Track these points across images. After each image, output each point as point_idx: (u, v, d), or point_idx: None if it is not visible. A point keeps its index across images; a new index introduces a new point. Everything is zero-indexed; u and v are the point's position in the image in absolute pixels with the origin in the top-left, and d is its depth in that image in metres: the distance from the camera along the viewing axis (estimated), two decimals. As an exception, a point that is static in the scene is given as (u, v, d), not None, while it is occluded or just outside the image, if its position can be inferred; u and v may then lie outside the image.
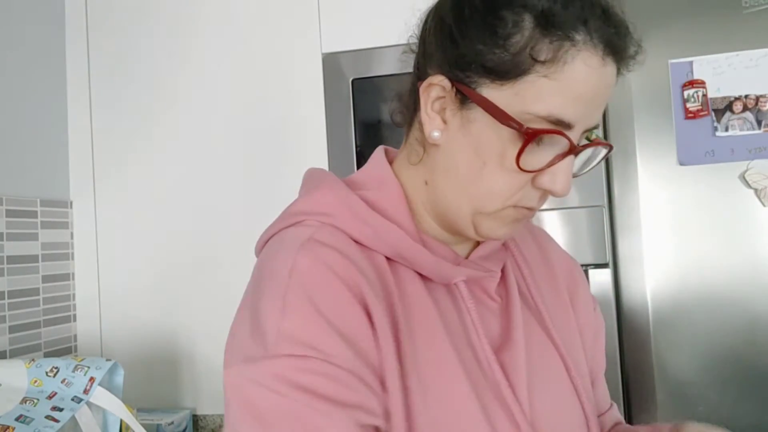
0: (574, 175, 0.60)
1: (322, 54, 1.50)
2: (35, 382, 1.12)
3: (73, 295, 1.63)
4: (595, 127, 0.59)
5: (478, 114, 0.56)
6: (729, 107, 1.28)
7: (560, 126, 0.54)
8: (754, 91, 1.27)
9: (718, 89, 1.28)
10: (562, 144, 0.56)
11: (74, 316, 1.63)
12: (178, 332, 1.55)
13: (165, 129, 1.60)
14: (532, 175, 0.57)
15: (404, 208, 0.62)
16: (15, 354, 1.42)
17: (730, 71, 1.28)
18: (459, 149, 0.58)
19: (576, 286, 0.75)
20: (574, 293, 0.75)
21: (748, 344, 1.25)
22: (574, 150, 0.56)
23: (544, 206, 1.34)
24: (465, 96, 0.57)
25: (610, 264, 1.33)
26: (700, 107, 1.28)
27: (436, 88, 0.59)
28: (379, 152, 0.68)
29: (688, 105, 1.29)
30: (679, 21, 1.31)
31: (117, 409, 1.14)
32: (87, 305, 1.63)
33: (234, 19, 1.57)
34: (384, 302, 0.57)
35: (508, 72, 0.54)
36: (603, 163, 1.33)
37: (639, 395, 1.31)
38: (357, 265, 0.56)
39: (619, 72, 0.58)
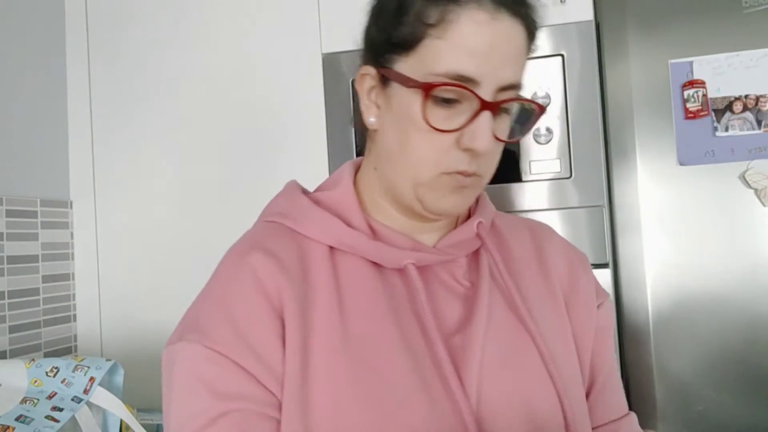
0: (510, 141, 0.65)
1: (322, 54, 1.50)
2: (35, 382, 1.12)
3: (73, 295, 1.63)
4: (513, 87, 0.61)
5: (395, 88, 0.63)
6: (729, 107, 1.28)
7: (464, 82, 0.58)
8: (754, 91, 1.27)
9: (718, 89, 1.28)
10: (474, 102, 0.59)
11: (74, 316, 1.63)
12: (178, 332, 1.55)
13: (165, 129, 1.60)
14: (453, 136, 0.60)
15: (351, 202, 0.68)
16: (15, 354, 1.42)
17: (730, 71, 1.28)
18: (389, 127, 0.64)
19: (575, 281, 0.74)
20: (573, 288, 0.74)
21: (748, 344, 1.25)
22: (487, 106, 0.59)
23: (544, 206, 1.35)
24: (386, 77, 0.63)
25: (610, 264, 1.33)
26: (700, 107, 1.28)
27: (367, 78, 0.66)
28: (352, 160, 0.75)
29: (688, 105, 1.29)
30: (679, 21, 1.31)
31: (117, 409, 1.13)
32: (87, 305, 1.63)
33: (234, 19, 1.57)
34: (309, 294, 0.62)
35: (408, 42, 0.60)
36: (603, 163, 1.33)
37: (639, 395, 1.31)
38: (283, 265, 0.62)
39: (529, 29, 0.62)
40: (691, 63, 1.30)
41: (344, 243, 0.65)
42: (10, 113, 1.48)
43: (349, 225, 0.66)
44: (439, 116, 0.60)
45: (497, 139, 0.62)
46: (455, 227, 0.71)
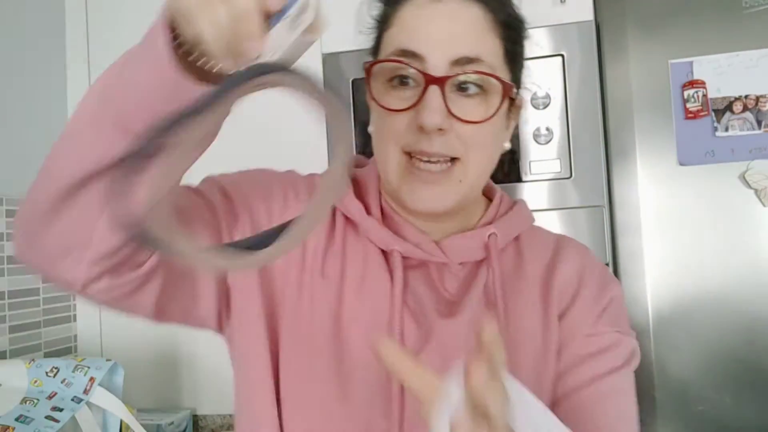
0: (475, 121, 0.61)
1: (322, 54, 1.50)
2: (35, 382, 1.12)
3: (73, 295, 1.63)
4: (471, 61, 0.60)
5: None
6: (729, 107, 1.28)
7: (408, 57, 0.60)
8: (754, 91, 1.27)
9: (718, 89, 1.28)
10: (421, 80, 0.60)
11: (74, 316, 1.63)
12: (178, 332, 1.55)
13: (165, 129, 1.60)
14: (409, 115, 0.61)
15: (373, 185, 0.70)
16: (15, 354, 1.42)
17: (730, 71, 1.28)
18: (373, 127, 0.68)
19: (571, 307, 0.67)
20: (565, 312, 0.67)
21: (748, 344, 1.25)
22: (433, 80, 0.59)
23: (544, 206, 1.35)
24: None
25: (610, 264, 1.33)
26: (700, 107, 1.28)
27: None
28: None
29: (688, 105, 1.29)
30: (679, 21, 1.31)
31: (117, 409, 1.14)
32: (87, 305, 1.62)
33: (234, 19, 1.57)
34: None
35: (376, 45, 0.68)
36: (603, 163, 1.33)
37: (639, 395, 1.30)
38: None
39: (488, 5, 0.62)
40: (691, 63, 1.30)
41: (352, 215, 0.68)
42: (10, 113, 1.48)
43: (367, 205, 0.68)
44: (397, 98, 0.62)
45: (456, 117, 0.59)
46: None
